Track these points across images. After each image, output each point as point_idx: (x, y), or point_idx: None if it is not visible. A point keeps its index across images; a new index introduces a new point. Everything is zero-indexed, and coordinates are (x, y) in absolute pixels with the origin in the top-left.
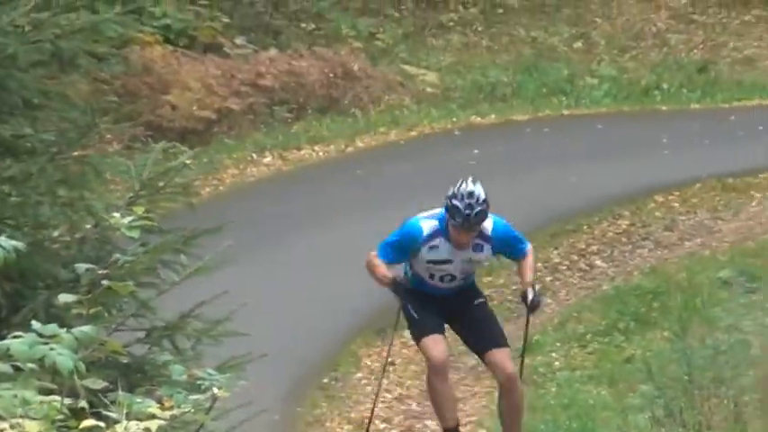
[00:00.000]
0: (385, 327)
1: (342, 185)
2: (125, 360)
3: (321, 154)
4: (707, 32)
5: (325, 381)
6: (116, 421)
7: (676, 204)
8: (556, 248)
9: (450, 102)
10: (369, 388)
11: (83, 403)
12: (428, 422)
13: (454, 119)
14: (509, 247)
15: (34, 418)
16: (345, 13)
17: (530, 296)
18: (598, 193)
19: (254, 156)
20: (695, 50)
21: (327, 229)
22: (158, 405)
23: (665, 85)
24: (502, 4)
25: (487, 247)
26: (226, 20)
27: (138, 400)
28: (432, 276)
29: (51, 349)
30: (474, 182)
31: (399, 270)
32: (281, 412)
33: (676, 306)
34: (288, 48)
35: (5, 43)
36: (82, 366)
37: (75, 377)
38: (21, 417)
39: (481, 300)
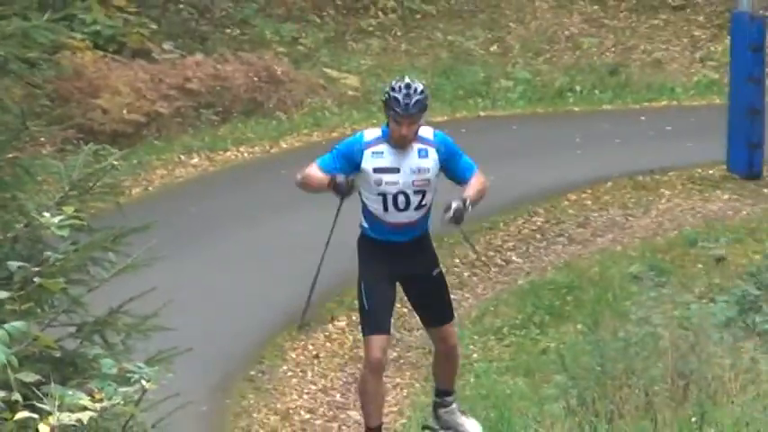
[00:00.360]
0: (310, 321)
1: (267, 185)
2: (57, 354)
3: (246, 155)
4: (618, 36)
5: (252, 373)
6: (49, 413)
7: (589, 202)
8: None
9: (370, 104)
10: (294, 380)
11: (16, 396)
12: (351, 412)
13: (374, 120)
14: (453, 161)
15: None
16: (269, 19)
17: (453, 205)
18: (514, 191)
19: (182, 157)
20: (607, 53)
21: (253, 227)
22: (89, 397)
23: (577, 87)
24: (420, 10)
25: (432, 152)
26: (154, 26)
27: (70, 392)
28: (385, 204)
29: None
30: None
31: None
32: (210, 404)
33: (589, 300)
34: (214, 53)
35: None
36: (15, 360)
37: (9, 371)
38: None
39: (438, 269)
